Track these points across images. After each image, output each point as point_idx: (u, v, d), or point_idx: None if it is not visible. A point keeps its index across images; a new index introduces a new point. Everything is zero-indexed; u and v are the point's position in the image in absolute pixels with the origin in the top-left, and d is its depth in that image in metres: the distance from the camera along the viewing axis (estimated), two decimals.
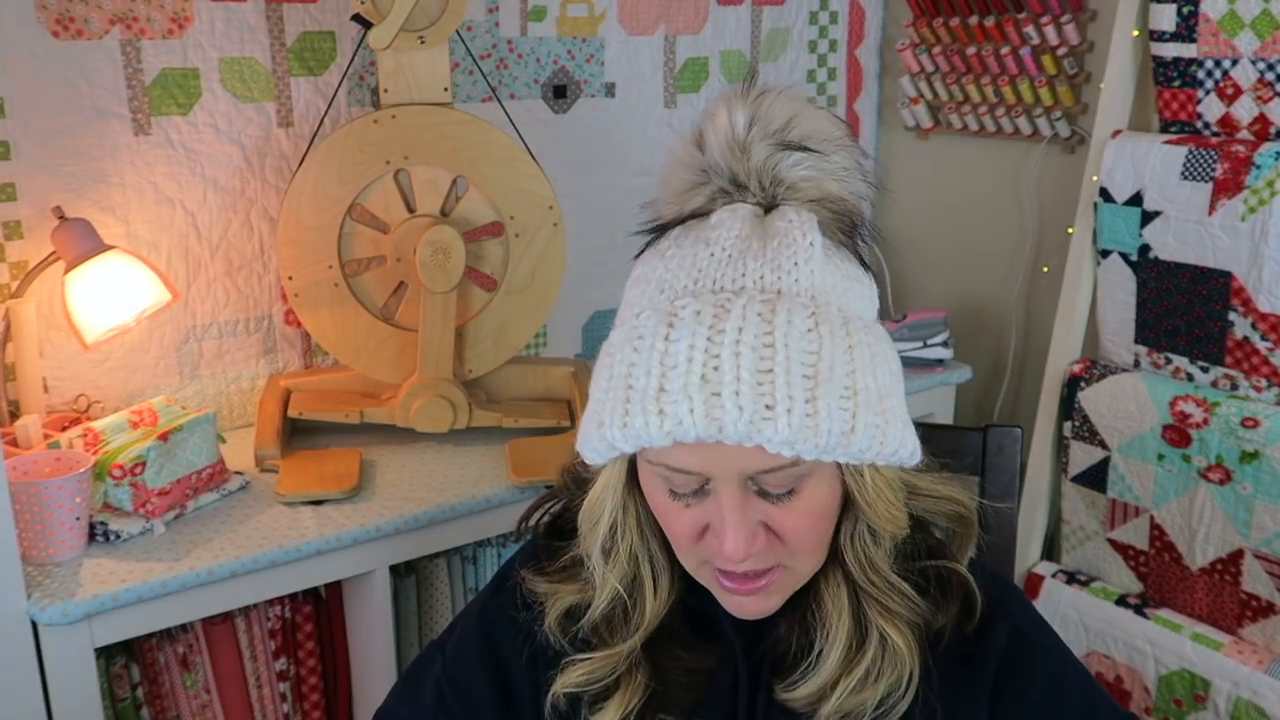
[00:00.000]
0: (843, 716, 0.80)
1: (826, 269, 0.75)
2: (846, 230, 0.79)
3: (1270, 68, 1.64)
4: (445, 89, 1.63)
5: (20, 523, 1.31)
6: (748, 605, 0.81)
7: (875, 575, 0.80)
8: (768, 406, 0.68)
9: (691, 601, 0.87)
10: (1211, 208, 1.68)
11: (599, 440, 0.75)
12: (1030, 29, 2.04)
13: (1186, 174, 1.71)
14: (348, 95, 1.83)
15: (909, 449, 0.77)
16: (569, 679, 0.85)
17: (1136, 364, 1.86)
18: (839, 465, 0.77)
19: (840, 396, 0.71)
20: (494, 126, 1.66)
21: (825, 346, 0.71)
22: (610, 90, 2.10)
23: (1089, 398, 1.86)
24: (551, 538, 0.92)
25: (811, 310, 0.72)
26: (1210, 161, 1.68)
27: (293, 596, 1.56)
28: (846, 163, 0.80)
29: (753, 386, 0.68)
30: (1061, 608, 1.89)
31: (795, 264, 0.74)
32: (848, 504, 0.79)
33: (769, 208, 0.77)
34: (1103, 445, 1.85)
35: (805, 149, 0.78)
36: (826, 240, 0.77)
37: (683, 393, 0.69)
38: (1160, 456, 1.76)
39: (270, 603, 1.53)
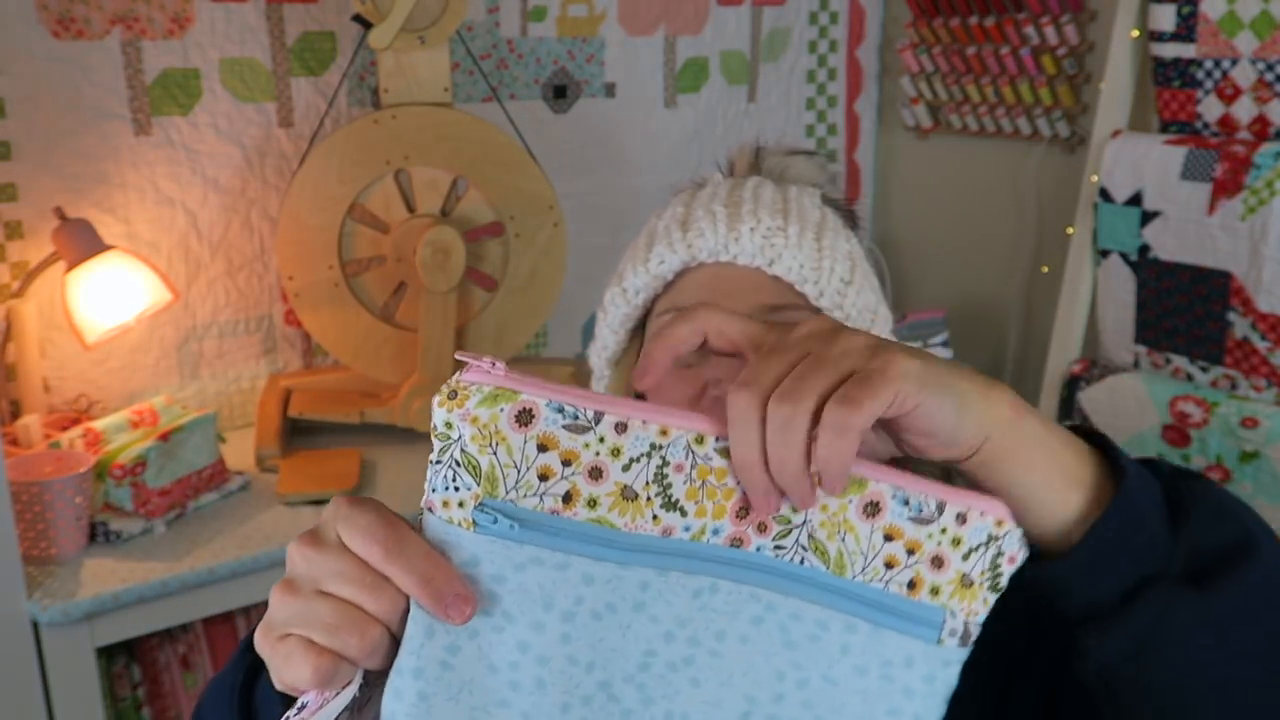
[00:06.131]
0: None
1: (828, 208, 0.81)
2: (846, 216, 0.84)
3: (1269, 68, 1.64)
4: (445, 89, 1.63)
5: (21, 523, 1.31)
6: None
7: None
8: (780, 228, 0.75)
9: None
10: (1211, 208, 1.68)
11: (612, 303, 0.80)
12: (1030, 29, 2.04)
13: (1186, 174, 1.71)
14: (348, 95, 1.83)
15: None
16: None
17: (1136, 364, 1.86)
18: None
19: (843, 255, 0.77)
20: (494, 126, 1.66)
21: (830, 221, 0.79)
22: (610, 90, 2.10)
23: (1089, 398, 1.86)
24: None
25: (819, 204, 0.80)
26: (1210, 161, 1.68)
27: None
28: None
29: (770, 214, 0.76)
30: None
31: (801, 191, 0.81)
32: None
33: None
34: None
35: (809, 152, 0.87)
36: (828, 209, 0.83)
37: (705, 210, 0.76)
38: (1160, 456, 1.76)
39: None
